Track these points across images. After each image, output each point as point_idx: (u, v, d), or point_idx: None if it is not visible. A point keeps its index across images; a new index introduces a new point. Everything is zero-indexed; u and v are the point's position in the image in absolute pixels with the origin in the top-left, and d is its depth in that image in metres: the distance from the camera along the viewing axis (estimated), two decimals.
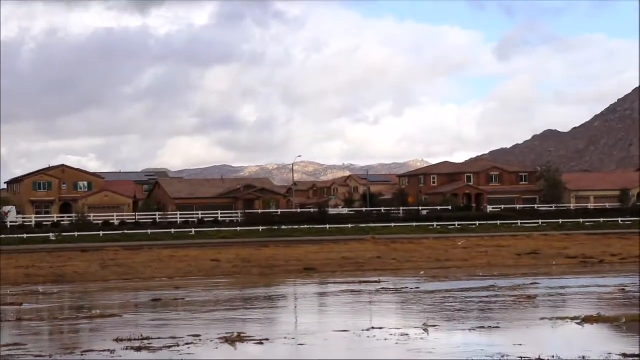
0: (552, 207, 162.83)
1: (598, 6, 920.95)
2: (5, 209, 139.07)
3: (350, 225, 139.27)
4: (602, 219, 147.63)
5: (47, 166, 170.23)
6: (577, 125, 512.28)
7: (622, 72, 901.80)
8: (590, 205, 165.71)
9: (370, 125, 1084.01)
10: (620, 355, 32.91)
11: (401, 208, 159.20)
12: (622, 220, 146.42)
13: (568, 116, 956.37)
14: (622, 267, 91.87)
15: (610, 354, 33.28)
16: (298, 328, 48.39)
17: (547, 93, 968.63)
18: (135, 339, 40.46)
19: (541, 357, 32.46)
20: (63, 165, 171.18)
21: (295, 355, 36.64)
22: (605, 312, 49.06)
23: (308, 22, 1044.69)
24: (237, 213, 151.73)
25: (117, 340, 40.53)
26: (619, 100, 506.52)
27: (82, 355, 37.36)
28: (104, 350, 37.74)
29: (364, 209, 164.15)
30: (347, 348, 38.44)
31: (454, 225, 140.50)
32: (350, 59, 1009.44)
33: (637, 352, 33.54)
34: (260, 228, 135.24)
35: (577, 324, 44.57)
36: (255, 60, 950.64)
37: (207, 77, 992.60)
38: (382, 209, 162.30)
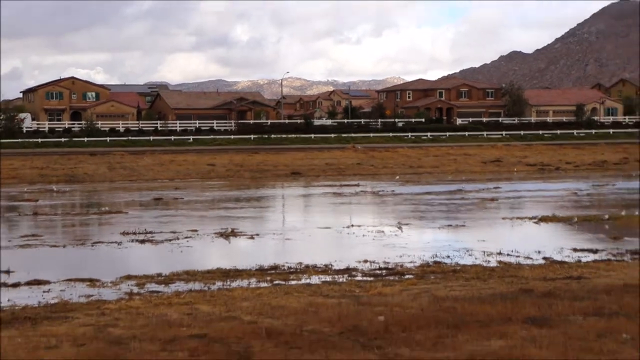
0: (514, 120, 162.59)
1: None
2: (21, 115, 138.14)
3: (333, 135, 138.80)
4: (559, 131, 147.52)
5: (58, 78, 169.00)
6: (539, 47, 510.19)
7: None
8: (549, 119, 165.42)
9: (352, 45, 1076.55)
10: (571, 249, 33.30)
11: (379, 120, 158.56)
12: (576, 132, 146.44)
13: (532, 39, 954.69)
14: (576, 174, 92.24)
15: (562, 248, 33.69)
16: (285, 225, 48.65)
17: (513, 18, 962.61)
18: (139, 233, 40.72)
19: (501, 252, 32.79)
20: (73, 78, 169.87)
21: (282, 249, 36.92)
22: (559, 212, 49.47)
23: None
24: (231, 123, 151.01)
25: (123, 233, 40.79)
26: (578, 24, 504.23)
27: (92, 246, 37.66)
28: (112, 242, 38.01)
29: (345, 121, 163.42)
30: (329, 243, 38.69)
31: (427, 135, 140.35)
32: None
33: (586, 247, 34.03)
34: (252, 137, 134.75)
35: (534, 223, 44.91)
36: None
37: None
38: (362, 120, 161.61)
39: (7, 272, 29.12)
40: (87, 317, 20.10)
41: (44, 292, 25.35)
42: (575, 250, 33.25)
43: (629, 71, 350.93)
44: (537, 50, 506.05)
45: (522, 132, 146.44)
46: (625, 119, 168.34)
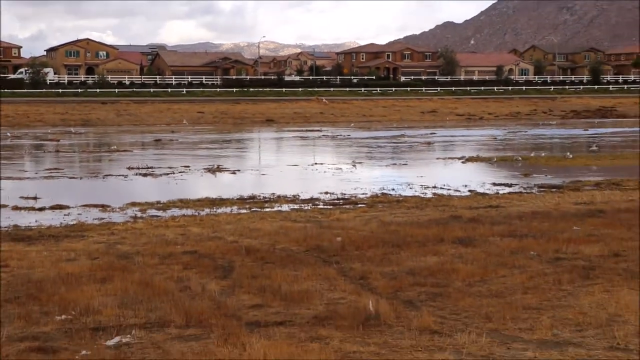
0: (447, 78, 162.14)
1: None
2: (45, 70, 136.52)
3: (300, 89, 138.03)
4: (482, 88, 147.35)
5: (76, 39, 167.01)
6: (468, 18, 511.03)
7: None
8: (475, 78, 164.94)
9: (317, 14, 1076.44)
10: (491, 184, 33.42)
11: (338, 77, 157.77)
12: (496, 89, 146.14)
13: (462, 11, 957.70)
14: (496, 123, 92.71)
15: (484, 183, 33.81)
16: (261, 163, 48.60)
17: None
18: (142, 168, 40.59)
19: (436, 186, 32.86)
20: (87, 39, 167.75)
21: (258, 182, 36.84)
22: (482, 154, 49.68)
23: None
24: (217, 78, 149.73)
25: (129, 168, 40.67)
26: (498, 0, 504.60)
27: (103, 178, 37.54)
28: (120, 175, 37.90)
29: (310, 77, 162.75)
30: (296, 177, 38.59)
31: (376, 90, 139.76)
32: None
33: (502, 182, 34.21)
34: (234, 89, 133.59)
35: (462, 162, 45.06)
36: None
37: None
38: (324, 77, 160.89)
39: (35, 198, 29.00)
40: (99, 236, 20.05)
41: (64, 215, 25.19)
42: (494, 184, 33.39)
43: (538, 39, 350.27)
44: (466, 21, 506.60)
45: (453, 88, 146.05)
46: (535, 78, 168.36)
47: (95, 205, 27.13)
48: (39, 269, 15.02)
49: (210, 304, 11.48)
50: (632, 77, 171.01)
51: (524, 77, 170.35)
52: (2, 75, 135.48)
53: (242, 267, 14.66)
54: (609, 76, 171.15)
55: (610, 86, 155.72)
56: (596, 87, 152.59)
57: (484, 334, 9.55)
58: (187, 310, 10.94)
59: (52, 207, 26.78)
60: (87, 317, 11.03)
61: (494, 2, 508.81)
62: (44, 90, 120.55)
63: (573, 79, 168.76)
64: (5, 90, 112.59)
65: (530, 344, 9.28)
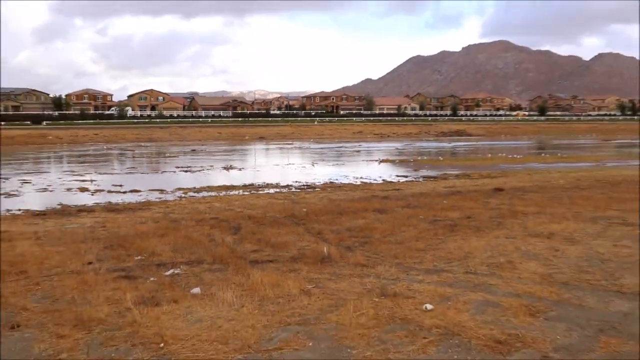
0: (369, 112, 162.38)
1: None
2: (126, 108, 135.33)
3: (279, 118, 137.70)
4: (389, 118, 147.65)
5: (144, 90, 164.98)
6: (380, 76, 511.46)
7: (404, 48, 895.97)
8: (385, 111, 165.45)
9: (292, 73, 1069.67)
10: (395, 176, 33.50)
11: (303, 111, 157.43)
12: (397, 119, 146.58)
13: (377, 71, 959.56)
14: (397, 139, 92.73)
15: (391, 175, 33.82)
16: (256, 163, 48.21)
17: (368, 60, 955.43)
18: (184, 167, 40.20)
19: (362, 177, 32.78)
20: (152, 89, 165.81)
21: (255, 175, 36.45)
22: (390, 157, 49.76)
23: None
24: (229, 112, 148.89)
25: (176, 167, 40.28)
26: (398, 66, 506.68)
27: (161, 173, 37.09)
28: (171, 171, 37.49)
29: (286, 111, 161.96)
30: (278, 172, 38.38)
31: (326, 119, 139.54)
32: None
33: (402, 174, 34.25)
34: (239, 119, 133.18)
35: (378, 163, 45.08)
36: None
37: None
38: (294, 111, 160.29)
39: (120, 185, 28.63)
40: (159, 208, 19.68)
41: (138, 196, 24.79)
42: (397, 176, 33.42)
43: (421, 89, 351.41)
44: (379, 78, 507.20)
45: (372, 118, 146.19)
46: (420, 112, 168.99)
47: (156, 190, 26.73)
48: (123, 228, 14.77)
49: (227, 250, 11.35)
50: (475, 112, 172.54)
51: (413, 112, 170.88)
52: (101, 112, 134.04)
53: (246, 227, 14.50)
54: (462, 111, 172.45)
55: (463, 117, 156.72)
56: (455, 118, 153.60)
57: (393, 266, 9.55)
58: (213, 253, 10.81)
59: (131, 191, 26.38)
60: (153, 257, 10.87)
61: (395, 67, 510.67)
62: (125, 120, 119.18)
63: (442, 113, 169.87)
64: (103, 121, 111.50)
65: (421, 271, 9.29)
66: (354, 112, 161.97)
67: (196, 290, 8.61)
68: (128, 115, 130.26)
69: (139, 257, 10.92)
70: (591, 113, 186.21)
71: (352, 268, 9.67)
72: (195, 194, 25.11)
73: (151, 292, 8.55)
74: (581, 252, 9.99)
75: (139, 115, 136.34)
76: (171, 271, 9.88)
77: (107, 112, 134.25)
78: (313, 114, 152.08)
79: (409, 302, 7.84)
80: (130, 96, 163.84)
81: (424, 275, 9.10)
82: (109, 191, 26.59)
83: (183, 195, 24.95)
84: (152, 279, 9.45)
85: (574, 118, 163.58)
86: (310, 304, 7.87)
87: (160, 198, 23.90)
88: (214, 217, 16.63)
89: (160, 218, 16.85)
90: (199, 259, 10.57)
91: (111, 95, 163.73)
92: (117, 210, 19.25)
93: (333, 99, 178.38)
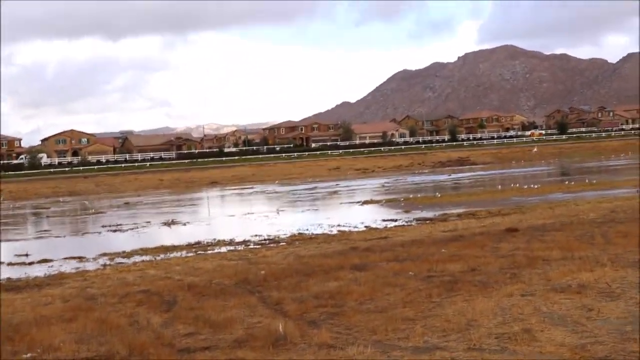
0: (347, 143, 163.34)
1: None
2: (40, 155, 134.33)
3: (236, 157, 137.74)
4: (373, 148, 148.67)
5: (63, 130, 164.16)
6: (359, 98, 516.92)
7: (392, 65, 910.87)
8: (367, 141, 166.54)
9: (246, 100, 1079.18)
10: (381, 220, 33.20)
11: (265, 147, 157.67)
12: (383, 149, 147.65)
13: (355, 93, 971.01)
14: (384, 174, 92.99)
15: (376, 219, 33.55)
16: (207, 216, 47.60)
17: (343, 80, 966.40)
18: (112, 225, 39.48)
19: (340, 224, 32.45)
20: (72, 130, 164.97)
21: (203, 230, 35.89)
22: (375, 197, 49.54)
23: None
24: (172, 153, 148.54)
25: (102, 226, 39.50)
26: (380, 84, 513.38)
27: (82, 235, 36.33)
28: (95, 232, 36.81)
29: (244, 148, 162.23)
30: (233, 225, 37.88)
31: (294, 155, 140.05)
32: None
33: (390, 218, 33.92)
34: (186, 160, 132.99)
35: (360, 205, 44.82)
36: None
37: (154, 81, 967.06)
38: (254, 147, 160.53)
39: (26, 254, 27.83)
40: (75, 282, 19.16)
41: (48, 267, 24.17)
42: (384, 220, 33.15)
43: (410, 110, 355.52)
44: (358, 100, 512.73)
45: (351, 150, 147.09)
46: (410, 139, 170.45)
47: (74, 257, 26.14)
48: (19, 313, 14.03)
49: (151, 335, 10.59)
50: (479, 135, 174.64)
51: (402, 139, 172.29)
52: (6, 161, 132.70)
53: (183, 300, 13.79)
54: (462, 135, 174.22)
55: (464, 142, 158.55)
56: (454, 143, 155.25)
57: (369, 345, 8.85)
58: (130, 342, 10.04)
59: (40, 262, 25.71)
60: (49, 354, 10.07)
61: (377, 85, 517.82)
62: (39, 170, 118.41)
63: (437, 138, 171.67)
64: (10, 172, 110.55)
65: (406, 351, 8.61)
66: (328, 143, 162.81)
67: None
68: (42, 163, 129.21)
69: (29, 355, 10.11)
70: (624, 127, 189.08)
71: (315, 351, 8.95)
72: (125, 260, 24.43)
73: None
74: (623, 312, 9.24)
75: (56, 163, 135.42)
76: None
77: (14, 162, 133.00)
78: (278, 149, 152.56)
79: None
80: (44, 140, 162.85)
81: (410, 356, 8.40)
82: (10, 263, 25.79)
83: (108, 262, 24.27)
84: None
85: (603, 134, 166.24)
86: None
87: (78, 268, 23.22)
88: (144, 289, 15.91)
89: (73, 295, 16.16)
90: (109, 352, 9.79)
91: (19, 140, 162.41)
92: (17, 289, 18.53)
93: (302, 129, 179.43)
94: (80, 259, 25.70)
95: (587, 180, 50.88)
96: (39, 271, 22.92)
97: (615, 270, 12.48)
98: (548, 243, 17.43)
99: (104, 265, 23.40)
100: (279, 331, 9.72)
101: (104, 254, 26.30)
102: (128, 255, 25.70)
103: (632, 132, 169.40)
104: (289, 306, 12.15)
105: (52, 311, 13.92)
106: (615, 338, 8.03)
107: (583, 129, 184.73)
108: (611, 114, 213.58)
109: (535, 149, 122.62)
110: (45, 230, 39.59)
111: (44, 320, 12.74)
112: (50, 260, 25.64)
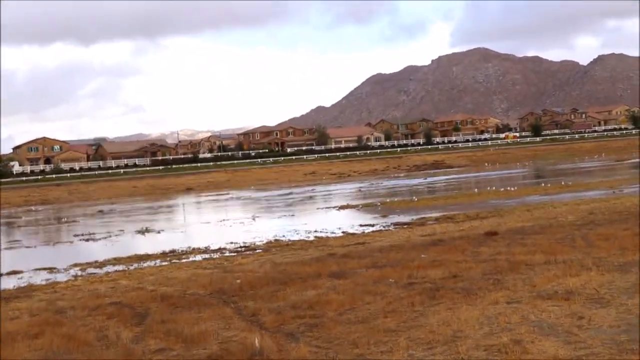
0: (322, 147, 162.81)
1: None
2: (11, 163, 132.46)
3: (212, 163, 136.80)
4: (348, 152, 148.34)
5: (35, 138, 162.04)
6: (334, 102, 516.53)
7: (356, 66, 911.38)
8: (342, 145, 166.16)
9: (221, 105, 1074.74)
10: (358, 225, 32.79)
11: (240, 152, 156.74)
12: (359, 153, 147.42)
13: (329, 97, 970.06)
14: (360, 178, 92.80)
15: (353, 225, 33.14)
16: (181, 223, 46.95)
17: (316, 84, 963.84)
18: (85, 234, 38.67)
19: (317, 230, 32.03)
20: (45, 137, 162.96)
21: (178, 238, 35.23)
22: (351, 202, 49.12)
23: None
24: (147, 160, 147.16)
25: (75, 235, 38.69)
26: (355, 88, 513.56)
27: (53, 245, 35.51)
28: (67, 242, 36.01)
29: (219, 154, 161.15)
30: (208, 232, 37.30)
31: (269, 160, 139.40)
32: None
33: (367, 223, 33.50)
34: (160, 167, 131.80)
35: (336, 210, 44.41)
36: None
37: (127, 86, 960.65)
38: (229, 153, 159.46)
39: None
40: (44, 294, 18.52)
41: (18, 278, 23.46)
42: (361, 225, 32.74)
43: (385, 114, 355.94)
44: (333, 105, 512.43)
45: (327, 154, 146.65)
46: (385, 143, 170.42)
47: (45, 268, 25.47)
48: None
49: (120, 352, 10.04)
50: (454, 138, 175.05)
51: (377, 143, 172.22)
52: None
53: (156, 312, 13.25)
54: (438, 138, 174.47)
55: (440, 145, 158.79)
56: (430, 147, 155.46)
57: None
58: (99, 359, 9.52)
59: (9, 273, 24.91)
60: None
61: (352, 89, 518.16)
62: (10, 179, 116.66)
63: (413, 142, 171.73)
64: None
65: None
66: (303, 148, 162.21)
67: None
68: (14, 172, 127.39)
69: None
70: (597, 128, 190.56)
71: None
72: (97, 270, 23.81)
73: None
74: (616, 320, 8.78)
75: (28, 171, 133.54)
76: None
77: None
78: (253, 154, 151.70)
79: None
80: (16, 148, 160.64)
81: None
82: None
83: (80, 273, 23.65)
84: None
85: (576, 136, 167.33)
86: None
87: (49, 279, 22.58)
88: (115, 301, 15.35)
89: (42, 309, 15.54)
90: None
91: None
92: None
93: (277, 134, 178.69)
94: (51, 269, 25.03)
95: (563, 182, 50.86)
96: (6, 283, 22.20)
97: (602, 275, 12.10)
98: (529, 247, 17.09)
99: (75, 276, 22.77)
100: (255, 345, 9.22)
101: (76, 265, 25.64)
102: (100, 265, 25.06)
103: (605, 133, 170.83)
104: (266, 317, 11.66)
105: (19, 326, 13.29)
106: (611, 349, 7.59)
107: (556, 131, 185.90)
108: (584, 115, 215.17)
109: (491, 149, 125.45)
110: (16, 241, 38.69)
111: (8, 337, 12.10)
112: (20, 272, 24.91)
